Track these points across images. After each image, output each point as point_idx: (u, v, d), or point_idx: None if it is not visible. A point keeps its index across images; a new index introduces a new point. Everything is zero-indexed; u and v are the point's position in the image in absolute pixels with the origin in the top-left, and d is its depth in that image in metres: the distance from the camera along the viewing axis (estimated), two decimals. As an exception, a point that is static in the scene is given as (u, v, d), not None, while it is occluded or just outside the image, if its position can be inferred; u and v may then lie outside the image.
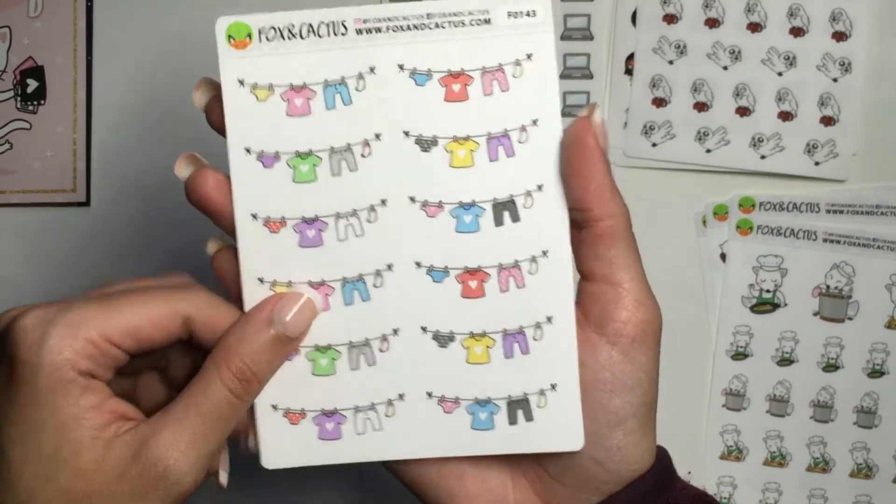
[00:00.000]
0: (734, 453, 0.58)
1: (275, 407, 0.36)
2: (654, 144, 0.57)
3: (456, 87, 0.35)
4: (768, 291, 0.58)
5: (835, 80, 0.56)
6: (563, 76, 0.57)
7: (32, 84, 0.57)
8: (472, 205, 0.35)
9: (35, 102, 0.57)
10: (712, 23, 0.56)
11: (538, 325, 0.36)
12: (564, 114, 0.57)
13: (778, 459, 0.59)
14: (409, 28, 0.34)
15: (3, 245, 0.59)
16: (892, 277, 0.57)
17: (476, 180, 0.35)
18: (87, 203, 0.58)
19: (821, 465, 0.58)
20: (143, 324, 0.34)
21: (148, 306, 0.34)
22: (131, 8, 0.57)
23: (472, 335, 0.36)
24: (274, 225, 0.35)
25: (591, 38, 0.57)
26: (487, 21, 0.34)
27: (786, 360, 0.58)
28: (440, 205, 0.35)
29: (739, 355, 0.58)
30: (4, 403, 0.33)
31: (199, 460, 0.33)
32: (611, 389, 0.34)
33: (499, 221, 0.35)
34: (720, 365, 0.58)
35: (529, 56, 0.34)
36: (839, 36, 0.56)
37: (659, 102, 0.57)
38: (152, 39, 0.58)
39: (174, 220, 0.58)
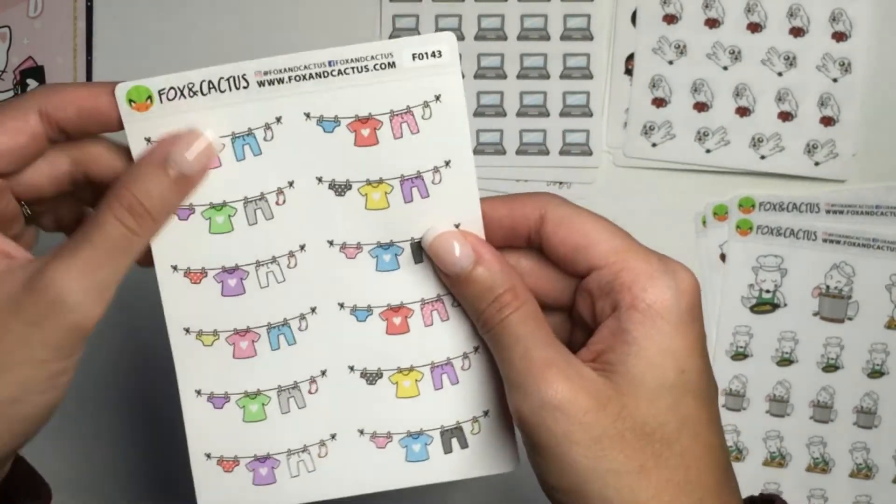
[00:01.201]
0: (734, 454, 0.58)
1: (208, 455, 0.37)
2: (654, 144, 0.57)
3: (365, 132, 0.34)
4: (768, 291, 0.58)
5: (835, 80, 0.56)
6: (562, 76, 0.57)
7: (32, 84, 0.57)
8: (391, 244, 0.36)
9: (35, 102, 0.58)
10: (712, 23, 0.56)
11: (465, 355, 0.36)
12: (563, 114, 0.57)
13: (778, 460, 0.59)
14: (311, 77, 0.34)
15: (3, 245, 0.59)
16: (892, 277, 0.57)
17: (393, 221, 0.35)
18: (86, 203, 0.58)
19: (821, 466, 0.58)
20: None
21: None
22: (131, 8, 0.57)
23: (399, 370, 0.37)
24: (195, 276, 0.36)
25: (591, 38, 0.57)
26: (392, 64, 0.34)
27: (786, 361, 0.58)
28: (359, 246, 0.36)
29: (739, 355, 0.58)
30: None
31: (92, 288, 0.33)
32: None
33: (418, 259, 0.36)
34: (720, 365, 0.58)
35: (438, 97, 0.34)
36: (839, 36, 0.56)
37: (659, 102, 0.57)
38: (152, 39, 0.58)
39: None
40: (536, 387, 0.32)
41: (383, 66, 0.34)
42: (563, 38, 0.57)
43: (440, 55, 0.34)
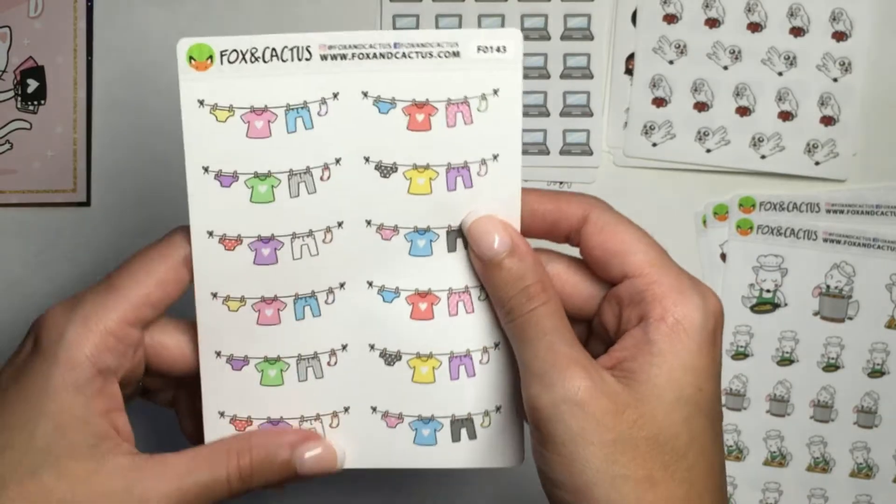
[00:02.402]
0: (734, 453, 0.58)
1: (221, 413, 0.37)
2: (654, 144, 0.57)
3: (419, 117, 0.35)
4: (768, 291, 0.58)
5: (835, 80, 0.56)
6: (563, 76, 0.57)
7: (33, 84, 0.57)
8: (427, 230, 0.36)
9: (35, 102, 0.57)
10: (712, 23, 0.56)
11: (485, 350, 0.37)
12: (563, 114, 0.57)
13: (778, 459, 0.59)
14: (374, 56, 0.34)
15: (3, 245, 0.59)
16: (892, 277, 0.57)
17: (432, 207, 0.35)
18: (87, 203, 0.58)
19: (821, 465, 0.58)
20: (151, 289, 0.34)
21: (147, 268, 0.34)
22: (131, 8, 0.57)
23: (418, 356, 0.37)
24: (229, 243, 0.36)
25: (591, 38, 0.57)
26: (456, 54, 0.34)
27: (786, 360, 0.58)
28: (395, 229, 0.36)
29: (739, 355, 0.58)
30: (11, 390, 0.33)
31: None
32: None
33: (452, 248, 0.36)
34: (720, 365, 0.58)
35: (496, 91, 0.34)
36: (839, 36, 0.56)
37: (659, 102, 0.57)
38: (152, 39, 0.58)
39: (174, 220, 0.58)
40: (560, 379, 0.32)
41: (447, 54, 0.34)
42: (563, 37, 0.57)
43: (505, 50, 0.34)
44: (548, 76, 0.57)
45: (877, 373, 0.58)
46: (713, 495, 0.33)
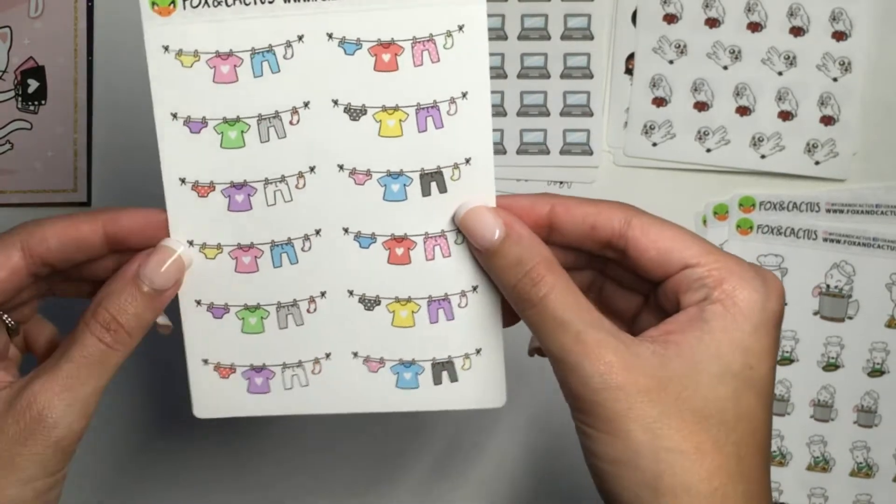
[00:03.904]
0: (734, 453, 0.58)
1: (205, 361, 0.37)
2: (654, 144, 0.57)
3: (386, 57, 0.34)
4: (768, 291, 0.58)
5: (835, 79, 0.56)
6: (563, 76, 0.57)
7: (33, 84, 0.57)
8: (400, 174, 0.36)
9: (36, 103, 0.57)
10: (712, 23, 0.56)
11: (463, 294, 0.37)
12: (564, 113, 0.57)
13: (778, 458, 0.59)
14: None
15: (3, 245, 0.59)
16: (892, 277, 0.57)
17: (404, 150, 0.35)
18: (88, 203, 0.58)
19: (821, 465, 0.59)
20: (70, 231, 0.35)
21: (67, 220, 0.35)
22: (131, 8, 0.57)
23: (397, 300, 0.37)
24: (202, 189, 0.36)
25: (591, 38, 0.57)
26: None
27: (786, 360, 0.58)
28: (368, 173, 0.36)
29: (740, 355, 0.58)
30: None
31: (73, 403, 0.33)
32: None
33: (426, 192, 0.36)
34: (720, 364, 0.58)
35: (461, 27, 0.34)
36: (839, 36, 0.56)
37: (659, 102, 0.57)
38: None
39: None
40: (596, 370, 0.32)
41: None
42: (563, 37, 0.57)
43: None
44: (548, 76, 0.57)
45: (877, 372, 0.58)
46: (760, 474, 0.33)
